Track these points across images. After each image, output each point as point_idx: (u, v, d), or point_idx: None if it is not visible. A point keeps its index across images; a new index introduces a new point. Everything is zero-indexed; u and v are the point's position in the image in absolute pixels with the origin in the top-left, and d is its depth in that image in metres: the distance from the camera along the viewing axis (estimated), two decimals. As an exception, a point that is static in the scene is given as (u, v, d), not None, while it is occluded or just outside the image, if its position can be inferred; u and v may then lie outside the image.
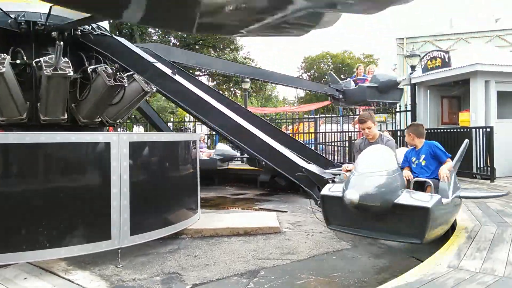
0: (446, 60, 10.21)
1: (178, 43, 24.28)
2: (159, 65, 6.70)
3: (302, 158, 6.22)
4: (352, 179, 3.79)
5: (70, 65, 5.95)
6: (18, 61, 6.22)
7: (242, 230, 5.98)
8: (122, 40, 7.14)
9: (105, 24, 7.56)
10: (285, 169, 6.02)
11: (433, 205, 3.65)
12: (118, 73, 6.48)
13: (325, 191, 4.31)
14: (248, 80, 18.01)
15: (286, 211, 7.78)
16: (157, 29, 24.15)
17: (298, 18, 3.18)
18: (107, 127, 8.25)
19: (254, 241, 5.64)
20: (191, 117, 24.86)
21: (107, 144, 4.72)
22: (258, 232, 5.98)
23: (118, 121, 8.05)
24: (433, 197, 3.78)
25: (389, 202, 3.70)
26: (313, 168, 5.86)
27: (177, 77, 6.50)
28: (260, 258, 4.89)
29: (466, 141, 5.32)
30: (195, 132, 17.12)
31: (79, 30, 6.65)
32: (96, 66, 6.65)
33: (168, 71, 6.60)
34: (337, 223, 4.28)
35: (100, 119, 7.22)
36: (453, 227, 4.75)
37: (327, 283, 4.17)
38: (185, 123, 20.95)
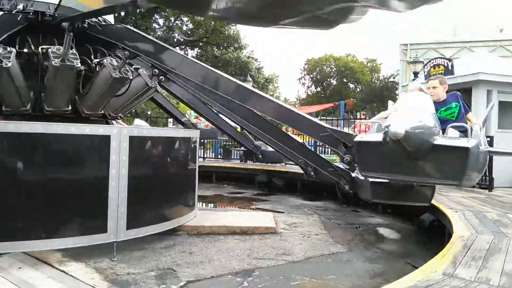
0: (449, 68, 10.20)
1: (182, 39, 24.27)
2: (173, 49, 6.85)
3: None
4: (396, 116, 3.79)
5: (78, 56, 5.93)
6: (25, 50, 6.18)
7: (238, 229, 5.98)
8: (130, 28, 7.15)
9: (110, 18, 7.54)
10: (310, 131, 6.40)
11: (472, 146, 3.72)
12: (124, 66, 6.43)
13: (358, 138, 4.50)
14: (250, 79, 18.03)
15: (283, 212, 7.77)
16: (161, 25, 24.14)
17: (331, 12, 2.95)
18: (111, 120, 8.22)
19: (250, 240, 5.64)
20: (192, 113, 24.83)
21: (107, 137, 4.71)
22: (254, 231, 5.98)
23: (119, 114, 8.01)
24: (470, 140, 3.91)
25: (430, 142, 3.69)
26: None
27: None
28: (255, 258, 4.88)
29: (492, 103, 5.79)
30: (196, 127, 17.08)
31: (87, 23, 6.62)
32: (102, 58, 6.61)
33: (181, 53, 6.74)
34: (371, 169, 4.40)
35: (102, 111, 7.18)
36: (449, 235, 4.75)
37: (321, 285, 4.17)
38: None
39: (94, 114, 6.75)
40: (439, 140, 3.73)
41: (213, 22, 22.79)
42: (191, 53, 24.83)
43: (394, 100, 29.50)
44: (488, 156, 4.77)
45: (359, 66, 38.65)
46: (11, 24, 6.07)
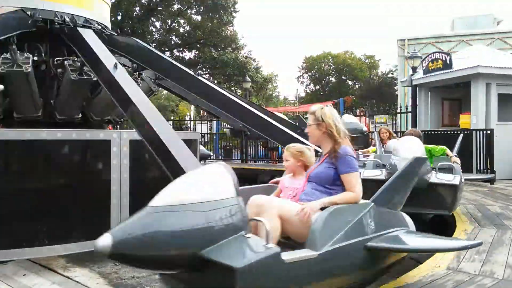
0: (448, 62, 10.21)
1: (179, 42, 24.26)
2: (183, 67, 6.83)
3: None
4: (398, 162, 4.67)
5: (29, 61, 5.79)
6: (35, 58, 6.17)
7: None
8: (141, 43, 7.16)
9: (106, 22, 7.55)
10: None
11: (459, 182, 4.86)
12: (133, 74, 6.41)
13: (364, 175, 4.73)
14: (249, 79, 18.03)
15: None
16: (158, 28, 24.13)
17: None
18: (107, 125, 8.19)
19: (253, 240, 5.63)
20: (192, 116, 24.87)
21: (108, 142, 4.72)
22: (257, 231, 5.95)
23: (111, 118, 7.85)
24: (456, 176, 4.87)
25: (426, 180, 4.75)
26: None
27: (201, 78, 6.65)
28: (259, 258, 4.88)
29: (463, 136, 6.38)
30: (195, 130, 17.14)
31: (92, 30, 6.61)
32: (63, 58, 6.48)
33: (192, 72, 6.69)
34: None
35: (80, 115, 7.03)
36: (452, 229, 4.75)
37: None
38: (186, 122, 20.99)
39: (69, 118, 6.61)
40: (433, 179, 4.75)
41: (209, 24, 22.81)
42: (189, 55, 24.84)
43: (393, 96, 29.35)
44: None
45: (357, 63, 38.56)
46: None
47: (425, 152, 5.04)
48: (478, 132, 9.13)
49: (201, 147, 12.22)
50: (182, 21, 24.06)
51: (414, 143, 5.02)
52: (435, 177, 4.82)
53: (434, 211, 5.10)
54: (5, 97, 6.15)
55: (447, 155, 5.84)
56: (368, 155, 6.76)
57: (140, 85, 6.84)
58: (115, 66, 4.93)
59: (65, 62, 5.87)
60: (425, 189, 4.66)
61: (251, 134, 11.39)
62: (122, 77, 4.83)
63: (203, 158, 11.99)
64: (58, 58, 6.10)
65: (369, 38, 78.52)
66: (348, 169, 2.66)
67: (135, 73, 6.70)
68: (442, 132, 10.20)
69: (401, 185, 3.15)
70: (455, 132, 9.80)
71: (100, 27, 6.81)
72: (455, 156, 5.85)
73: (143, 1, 22.52)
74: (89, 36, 5.88)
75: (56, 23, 6.19)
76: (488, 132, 9.02)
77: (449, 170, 5.11)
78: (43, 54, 6.30)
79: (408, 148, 4.77)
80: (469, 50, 12.15)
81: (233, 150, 16.74)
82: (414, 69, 11.48)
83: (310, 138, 2.86)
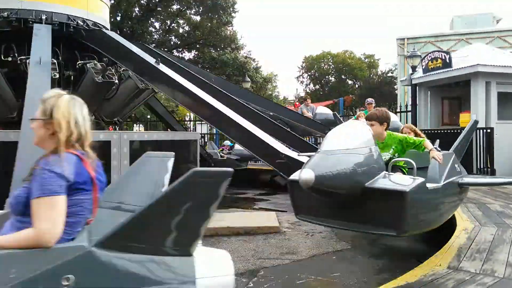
0: (447, 61, 10.21)
1: (179, 42, 24.24)
2: (144, 55, 6.69)
3: (287, 146, 5.78)
4: (312, 158, 3.09)
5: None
6: (9, 59, 6.17)
7: (242, 229, 5.98)
8: (111, 34, 7.10)
9: (105, 22, 7.55)
10: (265, 156, 5.50)
11: (411, 189, 2.97)
12: (108, 70, 6.41)
13: (293, 176, 3.57)
14: (248, 79, 18.02)
15: (286, 211, 7.77)
16: (158, 28, 24.12)
17: None
18: (106, 126, 8.21)
19: (254, 240, 5.64)
20: (192, 116, 24.90)
21: (108, 143, 4.72)
22: (258, 231, 5.98)
23: (116, 119, 7.96)
24: (415, 180, 3.10)
25: (356, 186, 3.03)
26: (295, 154, 5.33)
27: (161, 66, 6.45)
28: (260, 258, 4.88)
29: (475, 120, 5.48)
30: (195, 131, 17.14)
31: (72, 27, 6.59)
32: (85, 62, 6.53)
33: (152, 60, 6.54)
34: (306, 213, 3.65)
35: (93, 116, 7.13)
36: (452, 228, 4.75)
37: (327, 283, 4.17)
38: (186, 122, 20.96)
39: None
40: (374, 182, 3.07)
41: (209, 24, 22.80)
42: (188, 55, 24.81)
43: (393, 95, 29.33)
44: (460, 189, 4.11)
45: (356, 62, 38.52)
46: None
47: (374, 144, 3.31)
48: (478, 130, 9.13)
49: None
50: (181, 21, 24.06)
51: (355, 131, 3.39)
52: (379, 181, 3.14)
53: (373, 231, 3.43)
54: None
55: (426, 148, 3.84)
56: None
57: (116, 82, 6.83)
58: (39, 61, 5.08)
59: (27, 61, 5.91)
60: (360, 199, 3.15)
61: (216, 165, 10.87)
62: (35, 72, 4.95)
63: (248, 159, 11.27)
64: (21, 57, 6.12)
65: (369, 38, 78.28)
66: (37, 192, 1.61)
67: (109, 68, 6.65)
68: (442, 131, 10.19)
69: (165, 216, 1.74)
70: (455, 131, 9.81)
71: (84, 24, 6.78)
72: (437, 149, 3.92)
73: (142, 2, 22.51)
74: (38, 32, 5.89)
75: (30, 22, 6.18)
76: (488, 130, 9.02)
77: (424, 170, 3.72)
78: (16, 55, 6.28)
79: (341, 140, 3.21)
80: (469, 48, 12.15)
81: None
82: (414, 68, 11.47)
83: (34, 138, 1.83)
